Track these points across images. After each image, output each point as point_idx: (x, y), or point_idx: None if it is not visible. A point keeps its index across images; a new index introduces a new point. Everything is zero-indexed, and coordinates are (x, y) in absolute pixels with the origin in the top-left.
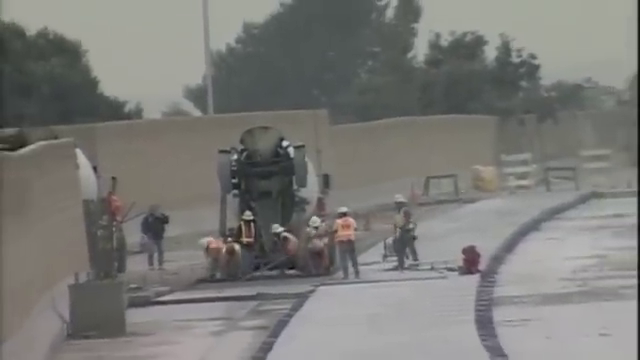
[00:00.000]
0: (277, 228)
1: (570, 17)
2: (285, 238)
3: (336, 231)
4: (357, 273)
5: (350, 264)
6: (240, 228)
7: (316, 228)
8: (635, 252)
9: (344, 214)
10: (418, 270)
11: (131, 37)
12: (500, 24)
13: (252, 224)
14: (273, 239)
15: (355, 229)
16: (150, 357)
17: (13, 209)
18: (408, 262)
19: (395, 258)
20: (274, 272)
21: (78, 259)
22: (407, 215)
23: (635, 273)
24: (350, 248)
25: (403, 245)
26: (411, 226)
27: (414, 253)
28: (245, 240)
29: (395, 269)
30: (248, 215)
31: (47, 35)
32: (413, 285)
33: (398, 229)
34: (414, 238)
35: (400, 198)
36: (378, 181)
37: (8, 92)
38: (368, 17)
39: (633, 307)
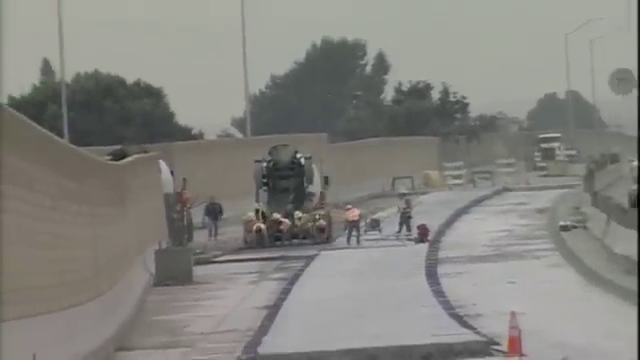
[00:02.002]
0: (273, 215)
1: (488, 71)
2: (279, 222)
3: (347, 217)
4: (358, 242)
5: (355, 235)
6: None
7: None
8: (531, 228)
9: (349, 208)
10: (391, 240)
11: (196, 85)
12: (442, 75)
13: (261, 211)
14: (271, 223)
15: (360, 213)
16: (210, 298)
17: (118, 200)
18: (402, 233)
19: (374, 232)
20: (287, 242)
21: (160, 233)
22: (408, 202)
23: (534, 242)
24: (356, 226)
25: (405, 221)
26: (408, 210)
27: (408, 228)
28: (257, 222)
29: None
30: (257, 205)
31: (140, 84)
32: (384, 250)
33: (400, 211)
34: (410, 217)
35: (403, 189)
36: (360, 180)
37: (114, 122)
38: (354, 71)
39: (531, 264)
